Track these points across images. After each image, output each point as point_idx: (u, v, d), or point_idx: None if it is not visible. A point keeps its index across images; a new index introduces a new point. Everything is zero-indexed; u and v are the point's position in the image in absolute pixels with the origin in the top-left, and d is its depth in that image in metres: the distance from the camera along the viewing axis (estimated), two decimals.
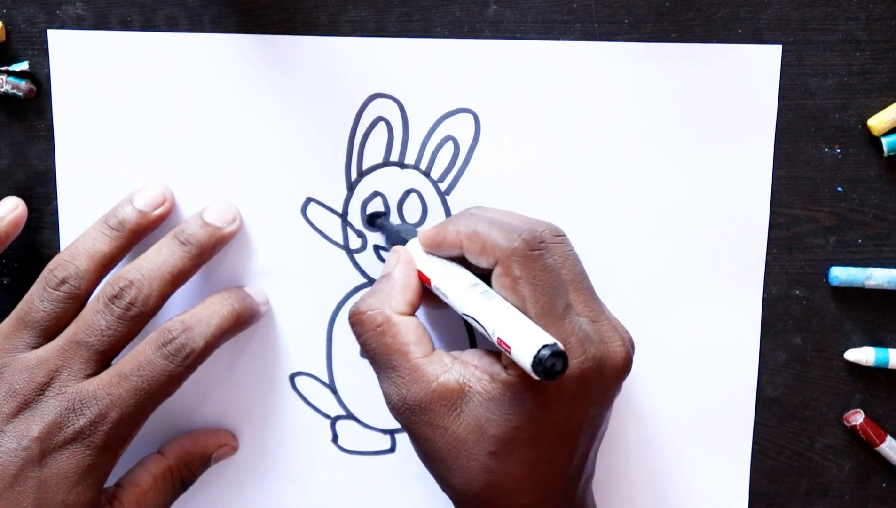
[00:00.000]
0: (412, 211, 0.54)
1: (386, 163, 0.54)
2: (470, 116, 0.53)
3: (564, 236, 0.48)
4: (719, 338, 0.55)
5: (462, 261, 0.49)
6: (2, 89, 0.52)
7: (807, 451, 0.56)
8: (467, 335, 0.55)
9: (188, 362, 0.49)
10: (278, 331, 0.55)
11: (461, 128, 0.54)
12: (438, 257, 0.49)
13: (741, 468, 0.56)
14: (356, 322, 0.48)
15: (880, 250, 0.55)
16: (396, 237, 0.52)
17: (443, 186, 0.54)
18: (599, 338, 0.46)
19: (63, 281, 0.49)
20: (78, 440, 0.48)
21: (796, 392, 0.56)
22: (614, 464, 0.56)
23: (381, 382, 0.48)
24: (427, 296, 0.50)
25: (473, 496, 0.47)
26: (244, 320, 0.52)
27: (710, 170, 0.54)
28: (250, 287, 0.54)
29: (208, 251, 0.52)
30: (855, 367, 0.55)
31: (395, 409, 0.47)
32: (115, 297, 0.49)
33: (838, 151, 0.54)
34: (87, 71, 0.53)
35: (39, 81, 0.53)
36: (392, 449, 0.56)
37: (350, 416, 0.56)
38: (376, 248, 0.54)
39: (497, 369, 0.46)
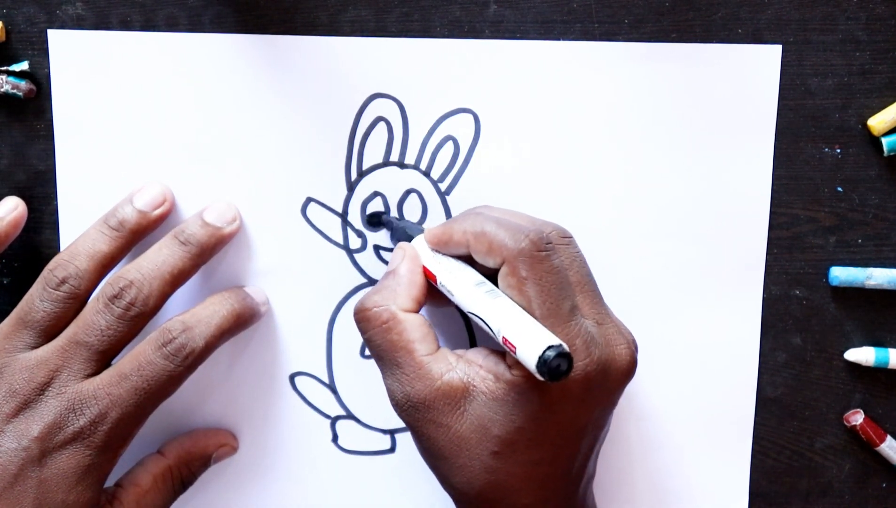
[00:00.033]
0: (412, 211, 0.54)
1: (386, 163, 0.54)
2: (470, 116, 0.53)
3: (572, 237, 0.48)
4: (719, 338, 0.55)
5: (467, 260, 0.49)
6: (2, 89, 0.52)
7: (807, 451, 0.56)
8: (467, 334, 0.55)
9: (188, 362, 0.49)
10: (278, 331, 0.55)
11: (461, 128, 0.54)
12: (444, 254, 0.49)
13: (741, 468, 0.56)
14: (362, 319, 0.48)
15: (880, 250, 0.55)
16: (402, 234, 0.52)
17: (443, 186, 0.54)
18: (605, 341, 0.46)
19: (63, 281, 0.49)
20: (78, 440, 0.48)
21: (796, 392, 0.56)
22: (615, 464, 0.56)
23: (385, 379, 0.48)
24: (430, 293, 0.50)
25: (475, 495, 0.47)
26: (244, 320, 0.52)
27: (710, 170, 0.54)
28: (250, 287, 0.54)
29: (208, 251, 0.52)
30: (855, 367, 0.55)
31: (399, 406, 0.47)
32: (115, 297, 0.49)
33: (838, 151, 0.54)
34: (87, 71, 0.53)
35: (39, 81, 0.53)
36: (392, 449, 0.56)
37: (350, 416, 0.56)
38: (376, 248, 0.54)
39: (502, 368, 0.46)
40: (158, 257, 0.50)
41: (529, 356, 0.43)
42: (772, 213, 0.54)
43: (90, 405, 0.48)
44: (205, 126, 0.53)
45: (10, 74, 0.52)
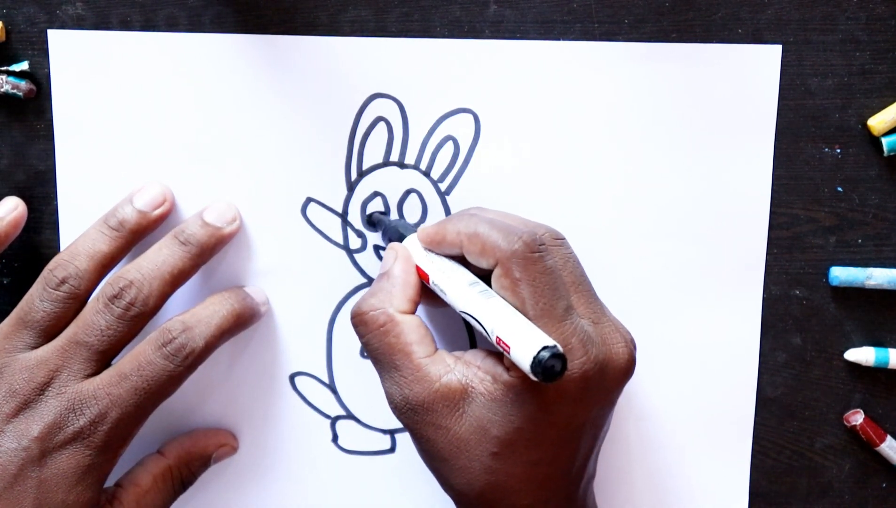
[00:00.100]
0: (412, 211, 0.54)
1: (386, 163, 0.54)
2: (470, 116, 0.53)
3: (564, 238, 0.48)
4: (719, 338, 0.55)
5: (460, 260, 0.49)
6: (2, 89, 0.52)
7: (807, 451, 0.56)
8: (467, 335, 0.55)
9: (188, 362, 0.49)
10: (278, 331, 0.55)
11: (461, 128, 0.54)
12: (437, 254, 0.49)
13: (741, 468, 0.56)
14: (359, 323, 0.48)
15: (880, 250, 0.55)
16: (393, 233, 0.52)
17: (443, 187, 0.54)
18: (602, 339, 0.46)
19: (63, 281, 0.49)
20: (78, 440, 0.48)
21: (796, 392, 0.56)
22: (615, 464, 0.56)
23: (383, 382, 0.48)
24: (425, 293, 0.50)
25: (475, 496, 0.47)
26: (244, 320, 0.52)
27: (710, 170, 0.54)
28: (250, 287, 0.54)
29: (208, 251, 0.52)
30: (855, 367, 0.55)
31: (398, 409, 0.47)
32: (115, 297, 0.49)
33: (838, 151, 0.54)
34: (87, 71, 0.53)
35: (39, 81, 0.53)
36: (392, 449, 0.56)
37: (350, 416, 0.56)
38: (376, 248, 0.54)
39: (499, 370, 0.46)
40: (158, 257, 0.50)
41: (523, 357, 0.43)
42: (772, 213, 0.54)
43: (90, 405, 0.48)
44: (205, 126, 0.53)
45: (10, 74, 0.52)
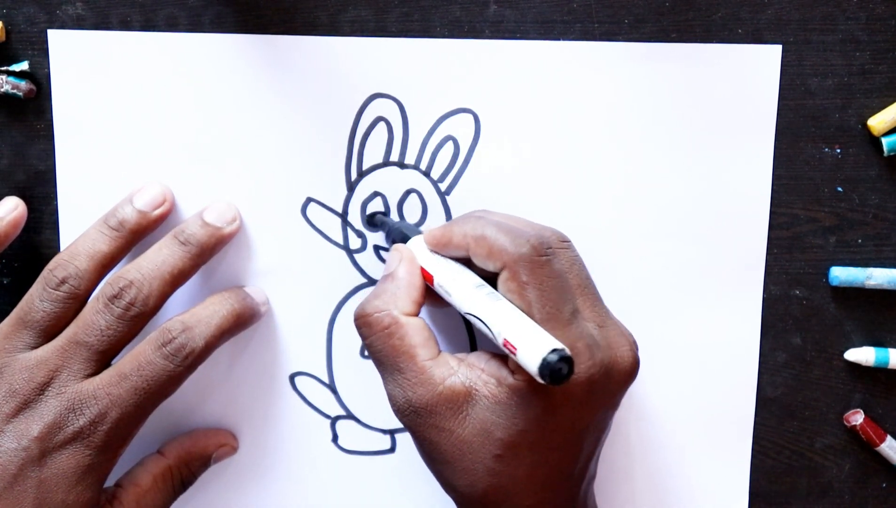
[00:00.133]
0: (412, 211, 0.54)
1: (386, 163, 0.54)
2: (470, 116, 0.53)
3: (570, 241, 0.48)
4: (719, 338, 0.55)
5: (465, 262, 0.49)
6: (2, 89, 0.52)
7: (807, 451, 0.56)
8: (467, 335, 0.55)
9: (188, 362, 0.49)
10: (278, 331, 0.55)
11: (461, 128, 0.54)
12: (442, 256, 0.49)
13: (741, 468, 0.56)
14: (363, 324, 0.48)
15: (880, 250, 0.55)
16: (397, 235, 0.52)
17: (443, 187, 0.54)
18: (607, 343, 0.47)
19: (63, 281, 0.49)
20: (78, 440, 0.48)
21: (796, 392, 0.56)
22: (615, 464, 0.56)
23: (385, 384, 0.48)
24: (427, 294, 0.50)
25: (478, 498, 0.47)
26: (244, 320, 0.52)
27: (710, 170, 0.54)
28: (250, 287, 0.54)
29: (208, 251, 0.52)
30: (855, 367, 0.55)
31: (400, 411, 0.47)
32: (114, 297, 0.49)
33: (838, 151, 0.54)
34: (87, 71, 0.53)
35: (39, 81, 0.53)
36: (392, 449, 0.56)
37: (350, 416, 0.56)
38: (376, 248, 0.54)
39: (504, 373, 0.46)
40: (158, 257, 0.50)
41: (531, 360, 0.43)
42: (772, 213, 0.54)
43: (90, 404, 0.48)
44: (205, 126, 0.53)
45: (10, 74, 0.52)
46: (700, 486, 0.56)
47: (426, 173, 0.54)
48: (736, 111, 0.53)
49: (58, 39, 0.52)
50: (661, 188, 0.54)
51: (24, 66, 0.52)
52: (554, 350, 0.42)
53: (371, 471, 0.56)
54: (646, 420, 0.56)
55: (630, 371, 0.47)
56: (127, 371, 0.48)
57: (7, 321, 0.50)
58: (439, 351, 0.48)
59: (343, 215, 0.54)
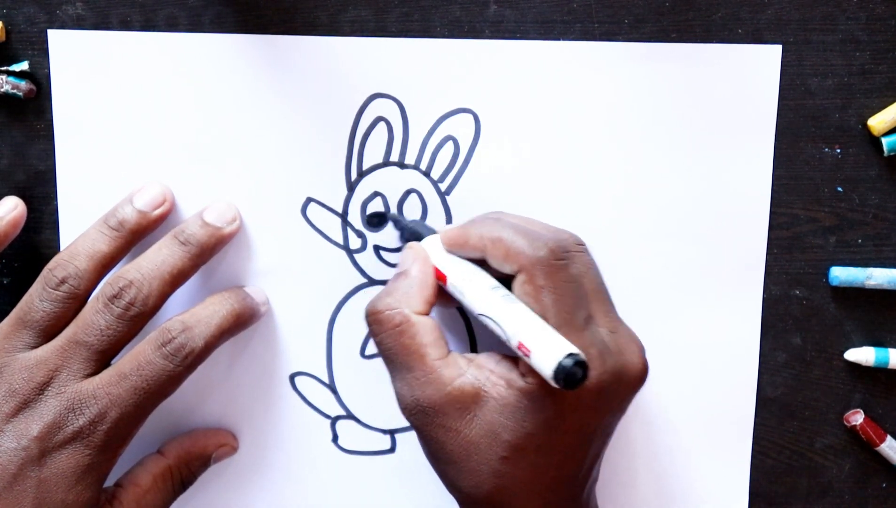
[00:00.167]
0: (412, 211, 0.54)
1: (386, 163, 0.54)
2: (470, 116, 0.53)
3: (585, 244, 0.48)
4: (719, 338, 0.55)
5: (479, 264, 0.49)
6: (2, 89, 0.52)
7: (807, 451, 0.56)
8: (468, 335, 0.55)
9: (187, 361, 0.49)
10: (278, 331, 0.55)
11: (461, 128, 0.54)
12: (457, 256, 0.49)
13: (741, 468, 0.56)
14: (374, 321, 0.48)
15: (880, 250, 0.55)
16: (411, 234, 0.52)
17: (443, 187, 0.54)
18: (618, 349, 0.47)
19: (63, 281, 0.49)
20: (77, 440, 0.48)
21: (796, 392, 0.56)
22: (615, 464, 0.56)
23: (394, 381, 0.48)
24: (438, 295, 0.50)
25: (482, 499, 0.47)
26: (244, 320, 0.52)
27: (710, 170, 0.54)
28: (250, 287, 0.54)
29: (208, 251, 0.52)
30: (855, 367, 0.55)
31: (408, 410, 0.47)
32: (114, 297, 0.49)
33: (838, 151, 0.54)
34: (87, 71, 0.53)
35: (39, 81, 0.53)
36: (392, 449, 0.56)
37: (350, 416, 0.56)
38: (376, 248, 0.54)
39: (514, 375, 0.46)
40: (158, 257, 0.50)
41: (546, 363, 0.43)
42: (772, 213, 0.54)
43: (89, 404, 0.48)
44: (205, 126, 0.53)
45: (10, 74, 0.52)
46: (700, 486, 0.56)
47: (426, 173, 0.54)
48: (736, 111, 0.53)
49: (58, 39, 0.52)
50: (661, 188, 0.54)
51: (24, 66, 0.52)
52: (569, 355, 0.42)
53: (371, 471, 0.56)
54: (646, 420, 0.56)
55: (639, 378, 0.47)
56: (126, 371, 0.48)
57: (7, 320, 0.50)
58: (449, 351, 0.48)
59: (343, 215, 0.54)
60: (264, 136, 0.53)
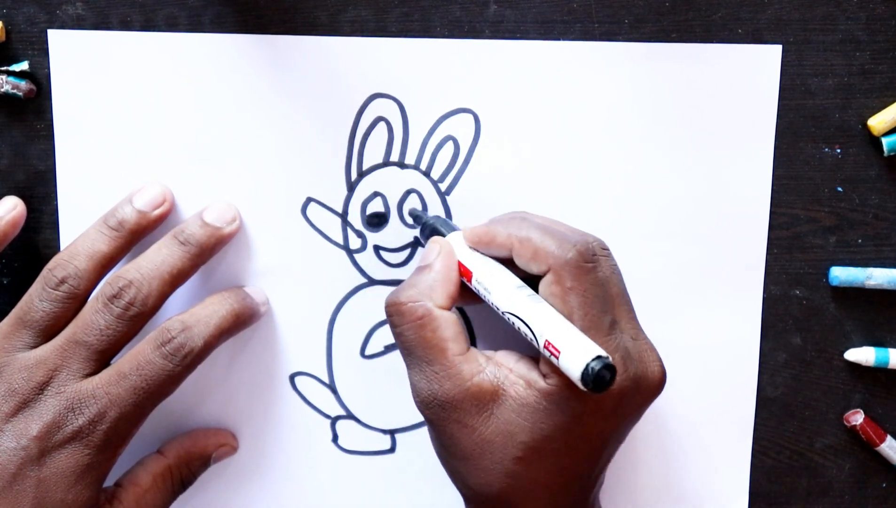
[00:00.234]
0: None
1: (386, 163, 0.54)
2: (470, 116, 0.53)
3: (609, 249, 0.48)
4: (719, 338, 0.55)
5: (504, 263, 0.49)
6: (2, 89, 0.52)
7: (807, 451, 0.56)
8: (467, 334, 0.55)
9: (187, 361, 0.49)
10: (278, 331, 0.55)
11: (461, 128, 0.54)
12: (481, 254, 0.49)
13: (741, 468, 0.56)
14: (395, 313, 0.48)
15: (880, 250, 0.55)
16: (432, 230, 0.52)
17: (443, 187, 0.54)
18: (639, 356, 0.47)
19: (62, 281, 0.49)
20: (77, 440, 0.48)
21: (796, 392, 0.56)
22: (616, 464, 0.56)
23: (411, 374, 0.48)
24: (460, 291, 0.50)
25: (491, 498, 0.47)
26: (243, 320, 0.52)
27: (710, 170, 0.54)
28: (250, 287, 0.54)
29: (208, 251, 0.52)
30: (855, 367, 0.55)
31: (424, 403, 0.47)
32: (114, 296, 0.49)
33: (838, 151, 0.54)
34: (87, 71, 0.53)
35: (39, 81, 0.53)
36: (392, 449, 0.56)
37: (350, 416, 0.56)
38: (376, 248, 0.54)
39: (534, 375, 0.46)
40: (158, 257, 0.50)
41: (574, 365, 0.43)
42: (772, 213, 0.54)
43: (89, 404, 0.48)
44: (205, 126, 0.53)
45: (10, 73, 0.52)
46: (700, 486, 0.56)
47: (426, 173, 0.54)
48: (736, 111, 0.53)
49: (58, 39, 0.52)
50: (661, 188, 0.54)
51: (24, 66, 0.52)
52: (598, 357, 0.42)
53: (371, 471, 0.56)
54: (646, 420, 0.56)
55: (658, 386, 0.47)
56: (126, 371, 0.48)
57: (6, 320, 0.50)
58: (469, 347, 0.48)
59: (343, 215, 0.54)
60: (264, 136, 0.53)
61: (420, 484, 0.56)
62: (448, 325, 0.47)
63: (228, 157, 0.53)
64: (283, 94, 0.53)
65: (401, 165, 0.54)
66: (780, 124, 0.54)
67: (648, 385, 0.47)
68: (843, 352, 0.55)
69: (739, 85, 0.53)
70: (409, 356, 0.48)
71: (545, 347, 0.44)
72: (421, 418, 0.55)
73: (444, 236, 0.51)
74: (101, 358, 0.49)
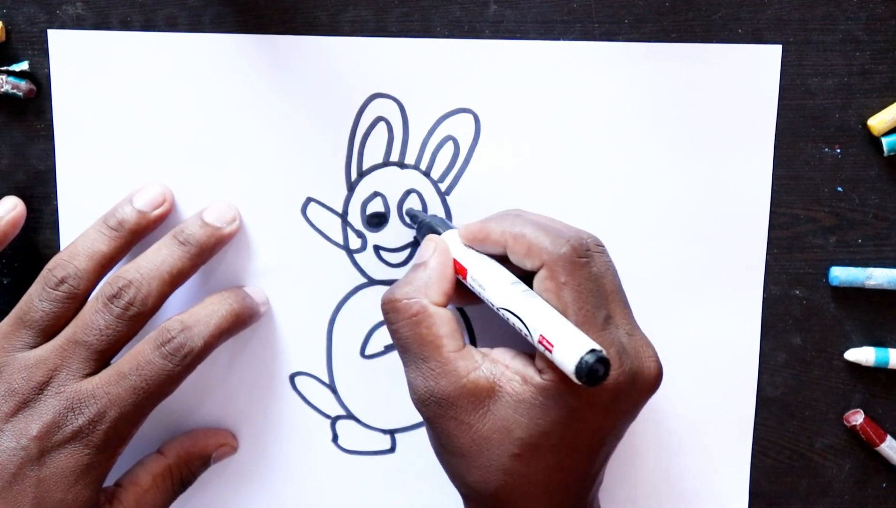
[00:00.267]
0: None
1: (386, 163, 0.54)
2: (470, 116, 0.53)
3: (604, 246, 0.48)
4: (719, 338, 0.55)
5: (498, 260, 0.49)
6: (2, 89, 0.52)
7: (807, 451, 0.56)
8: (467, 333, 0.55)
9: (186, 361, 0.49)
10: (278, 331, 0.55)
11: (461, 128, 0.54)
12: (476, 251, 0.49)
13: (741, 468, 0.56)
14: (391, 309, 0.48)
15: (880, 250, 0.55)
16: (429, 228, 0.52)
17: (443, 187, 0.54)
18: (634, 352, 0.47)
19: (62, 281, 0.49)
20: (76, 440, 0.48)
21: (796, 392, 0.56)
22: (615, 464, 0.56)
23: (408, 371, 0.48)
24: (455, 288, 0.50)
25: (489, 495, 0.47)
26: (243, 320, 0.52)
27: (710, 170, 0.54)
28: (250, 287, 0.54)
29: (208, 251, 0.52)
30: (855, 367, 0.55)
31: (420, 400, 0.47)
32: (113, 296, 0.49)
33: (838, 151, 0.54)
34: (87, 71, 0.53)
35: (39, 81, 0.53)
36: (392, 449, 0.56)
37: (350, 416, 0.56)
38: (376, 248, 0.54)
39: (530, 371, 0.46)
40: (157, 257, 0.50)
41: (568, 359, 0.43)
42: (772, 213, 0.54)
43: (89, 404, 0.48)
44: (205, 126, 0.53)
45: (10, 73, 0.52)
46: (700, 486, 0.56)
47: (426, 173, 0.54)
48: (736, 111, 0.53)
49: (58, 39, 0.52)
50: (661, 188, 0.54)
51: (24, 66, 0.52)
52: (592, 351, 0.42)
53: (371, 471, 0.56)
54: (646, 420, 0.56)
55: (654, 382, 0.47)
56: (126, 371, 0.48)
57: (6, 320, 0.50)
58: (465, 344, 0.48)
59: (343, 215, 0.54)
60: (264, 136, 0.53)
61: (420, 484, 0.56)
62: (443, 322, 0.47)
63: (228, 157, 0.53)
64: (283, 94, 0.53)
65: (401, 165, 0.54)
66: (780, 124, 0.54)
67: (644, 381, 0.47)
68: (843, 352, 0.55)
69: (739, 85, 0.53)
70: (405, 353, 0.48)
71: (539, 342, 0.44)
72: (421, 418, 0.55)
73: (439, 234, 0.51)
74: (101, 358, 0.49)
